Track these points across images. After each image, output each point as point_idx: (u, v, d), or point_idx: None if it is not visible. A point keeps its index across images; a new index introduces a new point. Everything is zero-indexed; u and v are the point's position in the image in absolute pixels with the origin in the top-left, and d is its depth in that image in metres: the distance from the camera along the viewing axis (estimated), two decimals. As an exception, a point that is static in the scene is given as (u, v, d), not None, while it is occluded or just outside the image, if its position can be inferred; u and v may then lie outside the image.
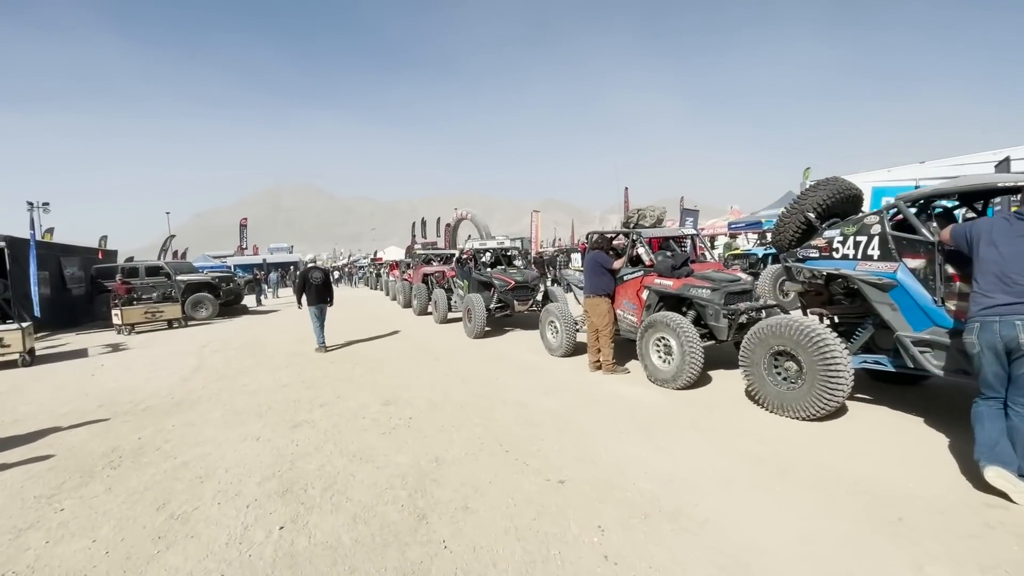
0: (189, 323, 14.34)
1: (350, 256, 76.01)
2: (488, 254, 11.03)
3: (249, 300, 21.94)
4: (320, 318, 8.76)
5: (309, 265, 9.61)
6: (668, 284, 5.41)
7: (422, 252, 16.70)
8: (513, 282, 9.26)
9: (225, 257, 44.27)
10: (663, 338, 5.20)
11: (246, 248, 49.54)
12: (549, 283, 10.48)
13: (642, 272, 5.80)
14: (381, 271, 27.84)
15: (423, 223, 56.21)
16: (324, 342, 8.77)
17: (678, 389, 5.05)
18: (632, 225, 6.28)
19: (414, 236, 53.52)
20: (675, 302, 5.61)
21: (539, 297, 9.55)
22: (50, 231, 36.51)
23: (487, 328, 9.22)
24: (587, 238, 7.38)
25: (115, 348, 10.62)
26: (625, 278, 6.00)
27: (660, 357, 5.29)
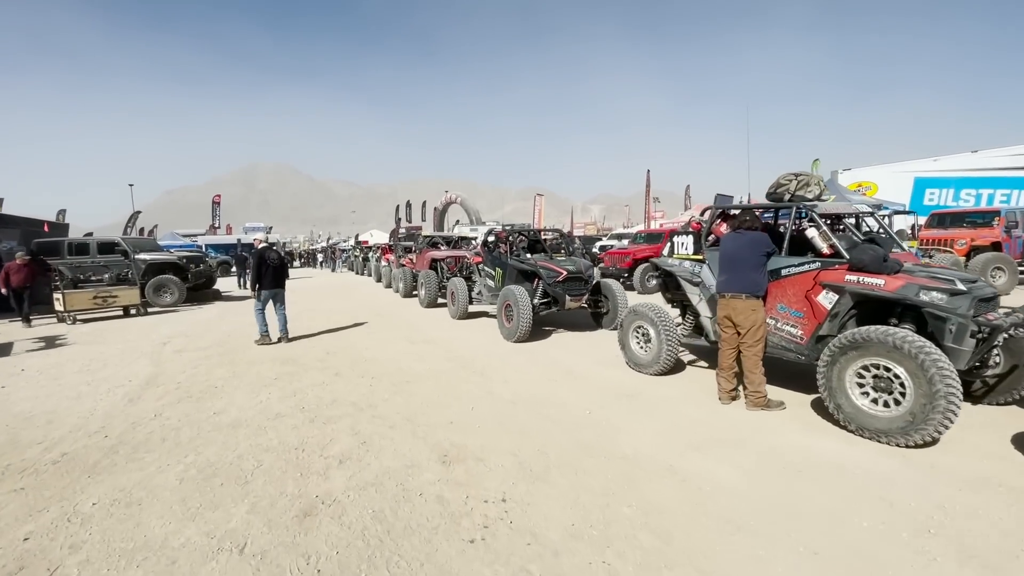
0: (149, 311, 12.03)
1: (329, 239, 72.73)
2: (521, 237, 9.08)
3: (228, 283, 19.51)
4: (274, 301, 7.70)
5: (262, 245, 7.88)
6: (877, 283, 3.57)
7: (427, 235, 14.61)
8: (565, 272, 7.35)
9: (195, 236, 41.12)
10: (877, 366, 3.38)
11: (219, 227, 46.37)
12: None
13: (818, 265, 3.96)
14: (370, 255, 25.53)
15: (408, 206, 53.91)
16: (268, 331, 7.67)
17: (911, 447, 3.25)
18: (788, 196, 4.42)
19: (399, 219, 51.19)
20: (874, 311, 3.79)
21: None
22: (-1, 201, 32.95)
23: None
24: (700, 214, 5.48)
25: (49, 343, 8.37)
26: (783, 272, 4.15)
27: (866, 394, 3.48)
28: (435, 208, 37.79)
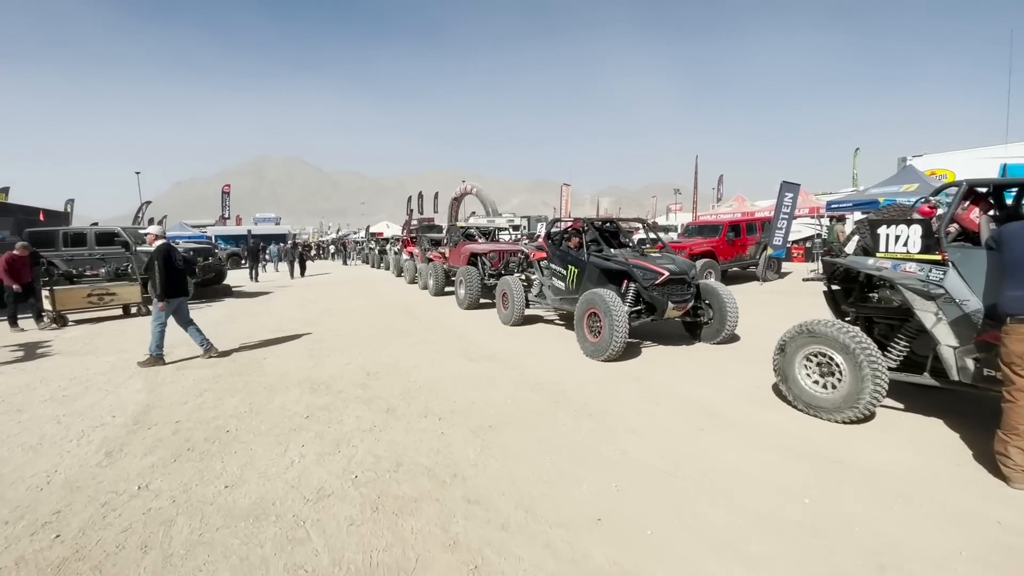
0: (151, 312, 10.61)
1: (338, 230, 71.56)
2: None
3: (239, 277, 18.08)
4: (177, 313, 6.22)
5: (161, 242, 6.18)
6: None
7: (463, 226, 13.08)
8: (666, 272, 5.78)
9: (205, 227, 39.93)
10: None
11: (228, 218, 45.17)
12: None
13: None
14: (387, 248, 24.08)
15: (420, 197, 52.67)
16: (162, 352, 6.13)
17: None
18: None
19: (411, 211, 49.89)
20: None
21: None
22: (4, 191, 31.98)
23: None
24: (933, 194, 3.86)
25: (29, 353, 6.96)
26: None
27: None
28: (452, 198, 36.20)
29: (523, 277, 8.55)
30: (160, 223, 46.67)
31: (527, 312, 7.96)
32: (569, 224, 7.31)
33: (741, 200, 23.69)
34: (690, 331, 6.64)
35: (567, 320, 8.28)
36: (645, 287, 5.81)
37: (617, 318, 5.41)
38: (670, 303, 5.78)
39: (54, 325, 8.97)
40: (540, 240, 7.89)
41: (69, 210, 31.68)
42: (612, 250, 6.59)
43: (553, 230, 7.48)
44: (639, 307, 5.99)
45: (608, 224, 7.37)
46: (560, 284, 6.99)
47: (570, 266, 6.73)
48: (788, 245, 16.85)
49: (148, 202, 39.47)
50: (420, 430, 3.86)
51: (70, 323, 9.30)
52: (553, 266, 7.15)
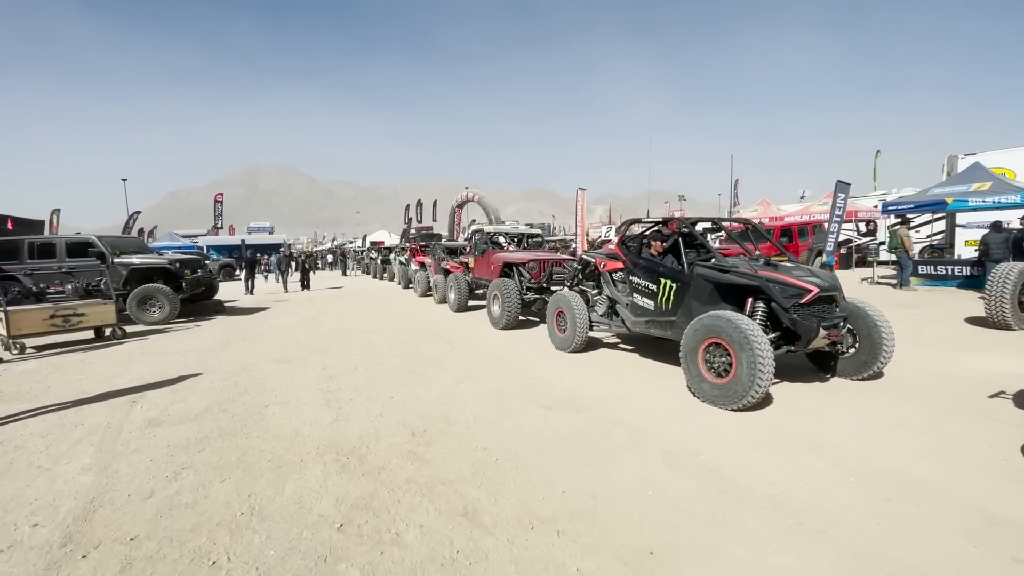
0: (128, 334, 8.97)
1: (333, 240, 69.89)
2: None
3: (234, 290, 16.39)
4: None
5: None
6: None
7: (489, 231, 11.56)
8: (815, 288, 4.28)
9: (196, 237, 38.21)
10: None
11: (221, 227, 43.47)
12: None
13: None
14: (391, 257, 22.55)
15: (419, 205, 51.46)
16: None
17: None
18: None
19: (409, 219, 48.57)
20: None
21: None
22: (-18, 200, 29.93)
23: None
24: None
25: (-43, 398, 5.34)
26: None
27: None
28: (454, 205, 34.68)
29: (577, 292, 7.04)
30: (151, 235, 44.84)
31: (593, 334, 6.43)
32: (656, 224, 5.76)
33: (767, 204, 22.37)
34: (818, 363, 5.13)
35: (636, 343, 6.77)
36: (785, 308, 4.29)
37: (760, 352, 3.87)
38: (821, 328, 4.27)
39: (13, 352, 7.39)
40: (612, 247, 6.35)
41: (55, 220, 29.81)
42: (729, 259, 5.06)
43: (628, 233, 5.96)
44: (772, 334, 4.47)
45: (711, 225, 5.85)
46: (647, 303, 5.44)
47: (663, 280, 5.19)
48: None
49: (138, 212, 37.70)
50: (536, 561, 2.31)
51: (28, 350, 7.69)
52: (634, 279, 5.61)
